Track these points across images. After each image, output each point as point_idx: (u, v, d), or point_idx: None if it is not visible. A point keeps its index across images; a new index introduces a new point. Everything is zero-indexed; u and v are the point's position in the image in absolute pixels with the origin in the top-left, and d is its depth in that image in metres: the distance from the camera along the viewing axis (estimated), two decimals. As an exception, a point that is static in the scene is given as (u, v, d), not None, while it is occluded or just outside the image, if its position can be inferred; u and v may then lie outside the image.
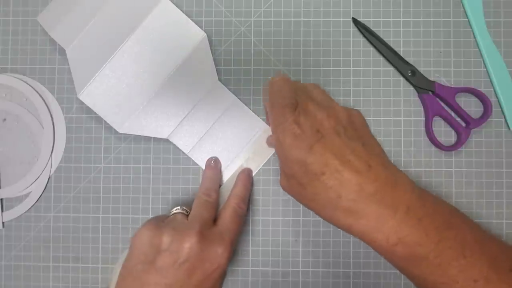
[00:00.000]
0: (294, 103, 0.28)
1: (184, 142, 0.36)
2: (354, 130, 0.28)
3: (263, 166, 0.37)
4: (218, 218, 0.32)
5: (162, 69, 0.36)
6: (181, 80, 0.36)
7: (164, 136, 0.36)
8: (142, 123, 0.36)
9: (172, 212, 0.32)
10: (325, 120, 0.27)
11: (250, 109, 0.36)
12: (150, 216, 0.37)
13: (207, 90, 0.36)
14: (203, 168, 0.36)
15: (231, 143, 0.36)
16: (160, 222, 0.31)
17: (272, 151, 0.36)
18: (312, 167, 0.26)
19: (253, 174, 0.37)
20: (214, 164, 0.36)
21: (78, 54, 0.36)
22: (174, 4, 0.36)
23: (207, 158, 0.36)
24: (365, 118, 0.36)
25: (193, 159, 0.36)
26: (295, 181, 0.27)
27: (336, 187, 0.25)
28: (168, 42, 0.36)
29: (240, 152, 0.36)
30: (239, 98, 0.36)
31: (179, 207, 0.33)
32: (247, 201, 0.35)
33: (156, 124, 0.36)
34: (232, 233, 0.31)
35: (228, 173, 0.36)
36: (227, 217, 0.32)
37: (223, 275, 0.30)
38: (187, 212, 0.32)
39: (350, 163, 0.26)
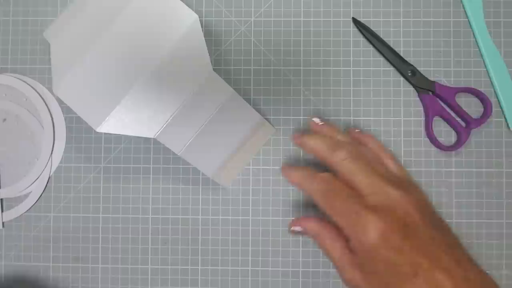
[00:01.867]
0: (363, 187, 0.25)
1: (174, 142, 0.33)
2: (433, 215, 0.25)
3: (263, 166, 0.37)
4: None
5: (149, 58, 0.31)
6: (170, 70, 0.31)
7: (151, 135, 0.32)
8: (125, 120, 0.31)
9: None
10: (411, 210, 0.24)
11: (253, 108, 0.36)
12: (150, 216, 0.37)
13: (200, 82, 0.32)
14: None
15: (228, 142, 0.34)
16: None
17: (264, 141, 0.36)
18: (402, 268, 0.23)
19: (248, 162, 0.37)
20: None
21: (60, 47, 0.32)
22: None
23: None
24: (365, 118, 0.36)
25: (186, 160, 0.34)
26: (378, 280, 0.24)
27: None
28: (155, 26, 0.31)
29: (235, 149, 0.35)
30: (241, 97, 0.36)
31: None
32: None
33: (141, 121, 0.32)
34: None
35: (223, 172, 0.36)
36: None
37: None
38: None
39: (440, 260, 0.23)
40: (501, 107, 0.36)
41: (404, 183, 0.26)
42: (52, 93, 0.37)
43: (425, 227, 0.24)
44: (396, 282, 0.23)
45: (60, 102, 0.37)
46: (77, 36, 0.32)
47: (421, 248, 0.23)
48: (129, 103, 0.32)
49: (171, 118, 0.32)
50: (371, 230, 0.23)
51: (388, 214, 0.23)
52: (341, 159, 0.26)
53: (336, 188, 0.26)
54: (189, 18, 0.31)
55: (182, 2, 0.32)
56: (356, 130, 0.33)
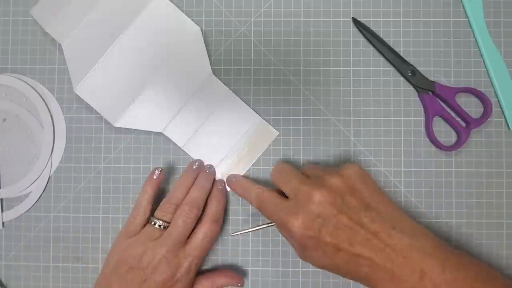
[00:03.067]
0: (289, 192, 0.30)
1: (178, 135, 0.36)
2: (353, 195, 0.29)
3: (263, 166, 0.37)
4: (190, 239, 0.32)
5: (157, 63, 0.36)
6: (175, 74, 0.36)
7: (159, 130, 0.36)
8: (137, 117, 0.36)
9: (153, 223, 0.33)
10: (321, 201, 0.28)
11: (253, 110, 0.36)
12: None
13: (201, 84, 0.36)
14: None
15: (226, 136, 0.36)
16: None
17: (267, 145, 0.36)
18: (327, 248, 0.28)
19: (249, 167, 0.37)
20: (197, 168, 0.35)
21: (74, 49, 0.36)
22: (174, 3, 0.36)
23: (192, 161, 0.36)
24: (365, 118, 0.36)
25: (187, 153, 0.36)
26: (317, 261, 0.29)
27: (353, 261, 0.27)
28: (163, 36, 0.36)
29: (235, 146, 0.36)
30: (239, 98, 0.36)
31: (160, 221, 0.33)
32: (221, 218, 0.34)
33: (151, 118, 0.36)
34: (197, 259, 0.32)
35: (223, 167, 0.36)
36: (196, 242, 0.32)
37: None
38: (166, 226, 0.33)
39: (359, 233, 0.27)
40: (501, 107, 0.36)
41: (315, 180, 0.30)
42: (52, 93, 0.38)
43: (341, 212, 0.28)
44: (327, 260, 0.28)
45: (60, 102, 0.38)
46: (90, 42, 0.36)
47: (339, 229, 0.27)
48: (141, 103, 0.36)
49: (175, 115, 0.36)
50: (294, 228, 0.28)
51: (303, 212, 0.28)
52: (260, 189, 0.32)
53: (267, 200, 0.31)
54: (193, 29, 0.36)
55: (185, 16, 0.36)
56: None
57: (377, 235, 0.27)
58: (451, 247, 0.28)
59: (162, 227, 0.32)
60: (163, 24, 0.36)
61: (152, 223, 0.33)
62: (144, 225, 0.33)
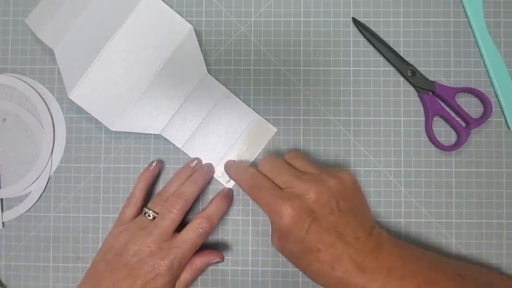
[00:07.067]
0: (281, 184, 0.30)
1: (177, 136, 0.36)
2: (346, 200, 0.29)
3: (263, 166, 0.37)
4: (178, 233, 0.32)
5: (151, 64, 0.36)
6: (170, 74, 0.36)
7: (157, 132, 0.36)
8: (134, 119, 0.36)
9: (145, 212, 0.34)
10: (318, 198, 0.28)
11: (250, 108, 0.36)
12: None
13: (197, 83, 0.36)
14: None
15: (225, 135, 0.36)
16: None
17: (265, 142, 0.36)
18: (308, 245, 0.28)
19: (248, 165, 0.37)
20: (194, 166, 0.36)
21: (66, 53, 0.36)
22: (173, 3, 0.36)
23: (190, 159, 0.36)
24: (365, 118, 0.36)
25: (187, 153, 0.37)
26: (290, 252, 0.30)
27: (330, 261, 0.28)
28: (155, 36, 0.36)
29: (234, 144, 0.36)
30: (239, 98, 0.36)
31: (151, 212, 0.33)
32: (216, 220, 0.33)
33: (148, 120, 0.36)
34: (182, 253, 0.31)
35: (222, 166, 0.36)
36: (184, 236, 0.32)
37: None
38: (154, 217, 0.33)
39: (342, 237, 0.28)
40: (501, 107, 0.36)
41: (312, 176, 0.30)
42: (52, 93, 0.38)
43: (332, 212, 0.28)
44: (302, 256, 0.29)
45: (60, 102, 0.38)
46: (82, 46, 0.36)
47: (327, 228, 0.28)
48: (138, 105, 0.36)
49: (173, 116, 0.36)
50: (285, 216, 0.28)
51: (298, 203, 0.28)
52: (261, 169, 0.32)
53: (261, 182, 0.30)
54: (185, 28, 0.36)
55: (177, 14, 0.35)
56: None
57: (358, 239, 0.28)
58: (407, 244, 0.32)
59: (152, 217, 0.33)
60: (154, 23, 0.35)
61: (144, 213, 0.34)
62: (136, 215, 0.34)
